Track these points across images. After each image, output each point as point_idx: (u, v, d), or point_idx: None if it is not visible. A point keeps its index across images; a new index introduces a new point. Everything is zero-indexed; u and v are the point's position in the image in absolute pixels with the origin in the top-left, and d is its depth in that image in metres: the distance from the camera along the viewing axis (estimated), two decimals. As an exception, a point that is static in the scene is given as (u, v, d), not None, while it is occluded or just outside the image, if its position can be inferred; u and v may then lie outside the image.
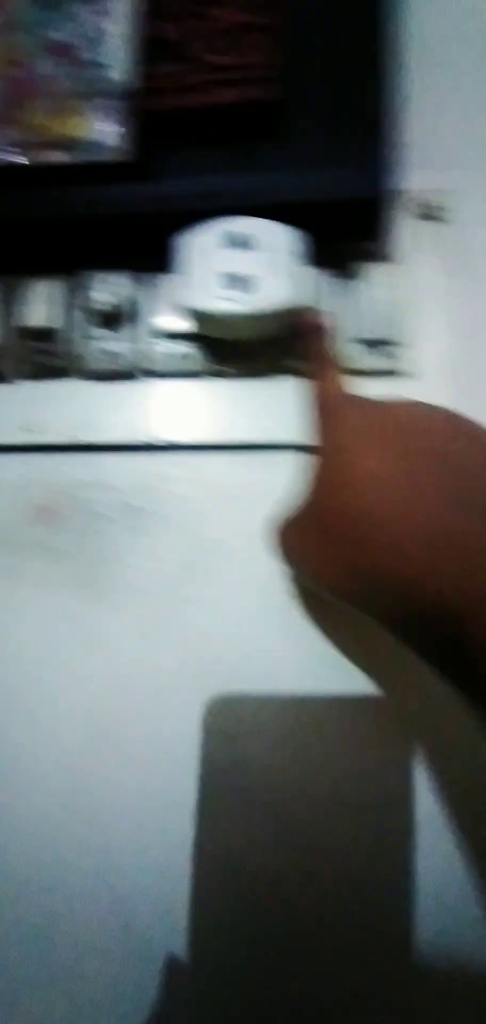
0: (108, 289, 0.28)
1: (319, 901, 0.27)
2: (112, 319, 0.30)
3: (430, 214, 0.31)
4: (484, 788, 0.27)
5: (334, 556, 0.22)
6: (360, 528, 0.20)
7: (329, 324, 0.29)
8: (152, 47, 0.28)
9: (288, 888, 0.27)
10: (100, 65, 0.26)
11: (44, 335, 0.30)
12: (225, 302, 0.26)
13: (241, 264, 0.26)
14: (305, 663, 0.29)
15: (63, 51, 0.26)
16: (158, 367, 0.31)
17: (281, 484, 0.30)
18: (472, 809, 0.27)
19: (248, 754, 0.29)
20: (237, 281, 0.26)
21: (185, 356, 0.31)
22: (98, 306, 0.28)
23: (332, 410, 0.25)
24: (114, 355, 0.30)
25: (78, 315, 0.31)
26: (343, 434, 0.23)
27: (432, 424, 0.22)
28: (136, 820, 0.29)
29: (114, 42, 0.26)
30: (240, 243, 0.26)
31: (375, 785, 0.28)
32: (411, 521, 0.19)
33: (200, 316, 0.27)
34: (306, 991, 0.27)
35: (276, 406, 0.31)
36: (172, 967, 0.27)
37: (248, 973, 0.27)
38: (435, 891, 0.27)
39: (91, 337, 0.30)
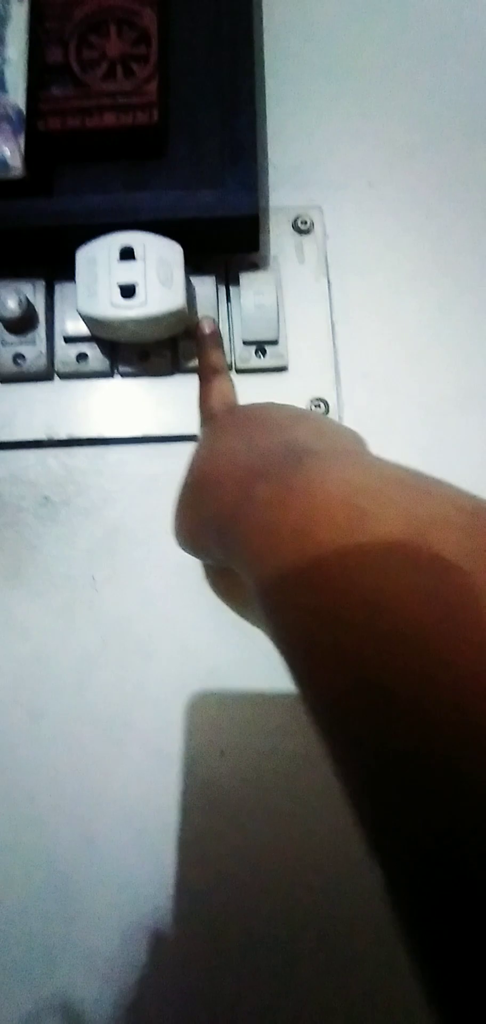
0: (16, 296, 0.31)
1: (245, 854, 0.30)
2: (21, 323, 0.32)
3: (300, 227, 0.36)
4: None
5: (186, 518, 0.25)
6: (197, 488, 0.24)
7: (216, 331, 0.33)
8: (43, 72, 0.31)
9: (216, 844, 0.30)
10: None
11: None
12: (115, 308, 0.29)
13: (128, 274, 0.29)
14: (214, 632, 0.32)
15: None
16: (65, 368, 0.34)
17: (178, 472, 0.33)
18: None
19: (168, 720, 0.31)
20: (126, 289, 0.29)
21: (88, 358, 0.34)
22: (7, 312, 0.31)
23: (211, 419, 0.29)
24: (23, 358, 0.33)
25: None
26: (211, 434, 0.26)
27: (283, 413, 0.25)
28: (67, 792, 0.30)
29: (9, 66, 0.29)
30: (129, 255, 0.29)
31: (289, 741, 0.31)
32: (222, 470, 0.21)
33: (95, 322, 0.30)
34: (238, 942, 0.29)
35: (172, 401, 0.34)
36: (111, 928, 0.29)
37: (185, 929, 0.29)
38: (345, 841, 0.29)
39: (2, 341, 0.32)
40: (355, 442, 0.24)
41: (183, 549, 0.27)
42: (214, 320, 0.33)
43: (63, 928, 0.30)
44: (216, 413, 0.30)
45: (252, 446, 0.22)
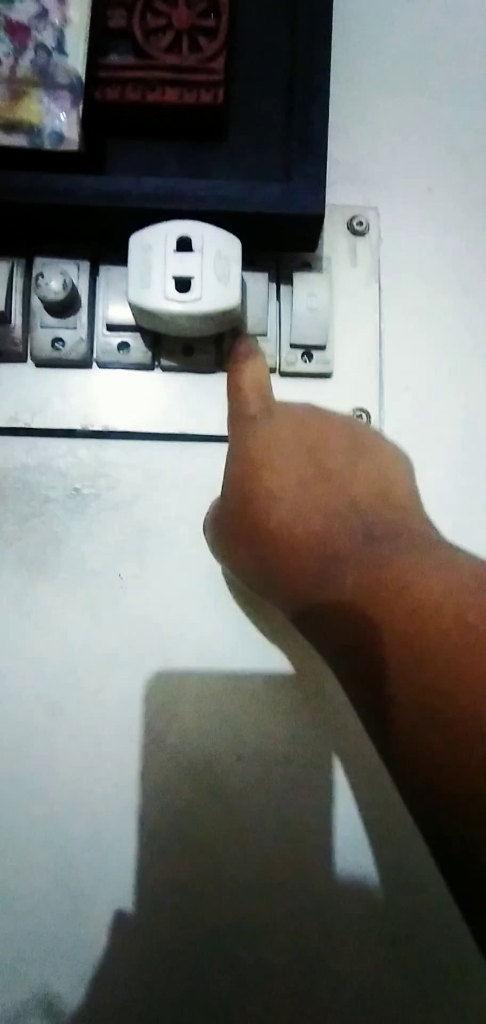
0: (60, 278, 0.29)
1: (255, 859, 0.30)
2: (62, 306, 0.30)
3: (356, 228, 0.34)
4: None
5: (239, 554, 0.25)
6: (256, 538, 0.23)
7: (258, 351, 0.30)
8: (103, 37, 0.29)
9: (227, 848, 0.30)
10: (54, 50, 0.26)
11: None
12: (169, 302, 0.28)
13: (185, 266, 0.28)
14: (236, 639, 0.32)
15: (20, 32, 0.26)
16: (104, 357, 0.32)
17: (216, 473, 0.32)
18: (384, 772, 0.31)
19: (186, 724, 0.31)
20: (182, 283, 0.28)
21: (130, 348, 0.32)
22: (50, 294, 0.29)
23: (246, 421, 0.27)
24: (62, 343, 0.31)
25: (29, 300, 0.31)
26: (252, 447, 0.25)
27: (333, 442, 0.24)
28: (81, 791, 0.30)
29: (70, 28, 0.27)
30: (186, 246, 0.28)
31: (302, 749, 0.31)
32: (293, 534, 0.22)
33: (145, 313, 0.29)
34: (247, 945, 0.29)
35: (214, 400, 0.33)
36: (117, 927, 0.29)
37: (190, 932, 0.29)
38: (352, 840, 0.30)
39: (41, 323, 0.31)
40: (409, 481, 0.24)
41: (220, 563, 0.27)
42: (251, 341, 0.31)
43: (70, 926, 0.29)
44: (251, 415, 0.27)
45: (317, 501, 0.22)
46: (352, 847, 0.30)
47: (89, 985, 0.29)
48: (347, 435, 0.25)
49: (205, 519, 0.29)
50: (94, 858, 0.30)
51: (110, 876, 0.30)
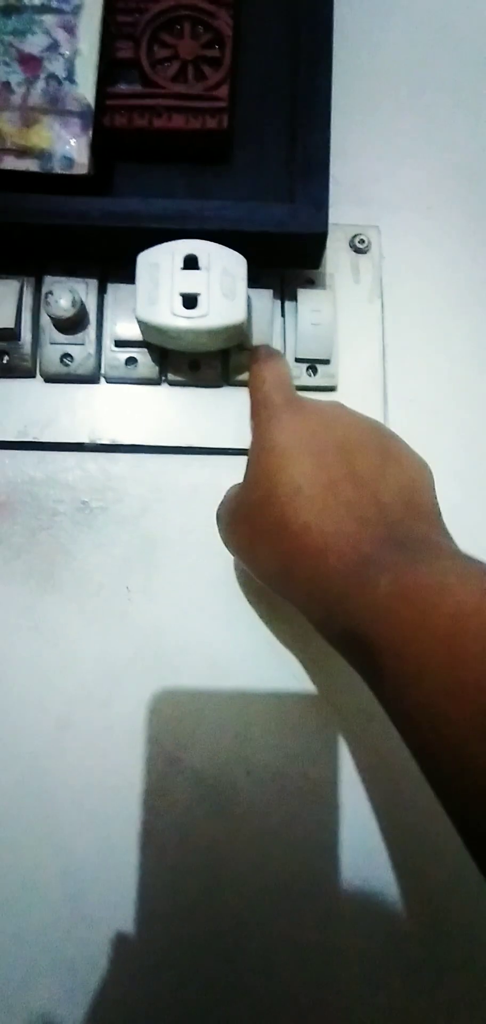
0: (70, 296, 0.30)
1: (265, 874, 0.29)
2: (71, 323, 0.31)
3: (358, 246, 0.35)
4: (406, 775, 0.29)
5: (260, 548, 0.24)
6: (281, 533, 0.23)
7: (279, 354, 0.31)
8: (112, 67, 0.30)
9: (236, 864, 0.29)
10: (65, 80, 0.27)
11: (3, 334, 0.31)
12: (176, 318, 0.28)
13: (192, 283, 0.28)
14: (245, 651, 0.32)
15: (31, 63, 0.27)
16: (112, 372, 0.33)
17: (223, 486, 0.32)
18: (395, 789, 0.30)
19: (194, 738, 0.30)
20: (189, 299, 0.28)
21: (137, 364, 0.33)
22: (60, 311, 0.30)
23: (272, 409, 0.26)
24: (71, 358, 0.32)
25: (39, 317, 0.32)
26: (279, 438, 0.24)
27: (362, 444, 0.24)
28: (87, 803, 0.30)
29: (80, 59, 0.28)
30: (193, 264, 0.28)
31: (312, 764, 0.30)
32: (323, 533, 0.22)
33: (153, 329, 0.29)
34: (256, 961, 0.29)
35: (220, 414, 0.33)
36: (120, 942, 0.29)
37: (198, 950, 0.29)
38: (362, 858, 0.30)
39: (50, 340, 0.31)
40: (431, 492, 0.25)
41: (233, 555, 0.27)
42: (271, 348, 0.32)
43: (76, 942, 0.29)
44: (278, 404, 0.26)
45: (347, 504, 0.22)
46: (362, 862, 0.30)
47: (92, 1003, 0.28)
48: (376, 438, 0.25)
49: (219, 508, 0.29)
50: (100, 872, 0.29)
51: (117, 892, 0.29)
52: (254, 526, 0.24)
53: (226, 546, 0.29)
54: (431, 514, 0.24)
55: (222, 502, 0.29)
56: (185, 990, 0.29)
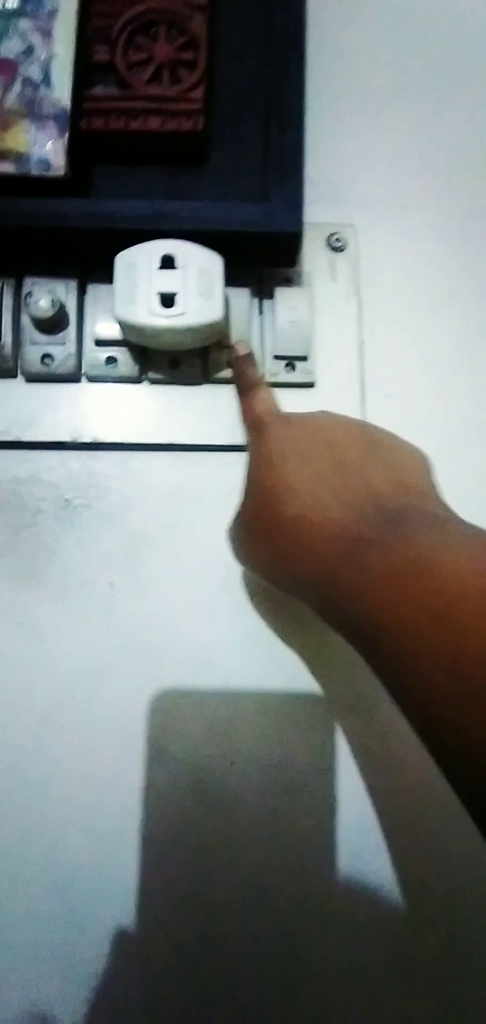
0: (49, 297, 0.30)
1: (253, 864, 0.30)
2: (51, 323, 0.31)
3: (334, 245, 0.36)
4: (402, 775, 0.31)
5: (260, 551, 0.25)
6: (274, 528, 0.24)
7: (251, 352, 0.33)
8: (88, 70, 0.30)
9: (224, 854, 0.30)
10: (41, 84, 0.28)
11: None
12: (154, 317, 0.29)
13: (169, 283, 0.29)
14: (229, 645, 0.32)
15: (7, 67, 0.28)
16: (93, 371, 0.33)
17: (202, 482, 0.33)
18: (382, 780, 0.31)
19: (179, 732, 0.31)
20: (166, 298, 0.29)
21: (118, 362, 0.33)
22: (39, 312, 0.30)
23: (261, 426, 0.28)
24: (51, 358, 0.32)
25: (19, 318, 0.32)
26: (269, 448, 0.26)
27: (349, 438, 0.25)
28: (74, 799, 0.30)
29: (56, 62, 0.28)
30: (169, 264, 0.29)
31: (297, 754, 0.31)
32: (312, 522, 0.23)
33: (132, 328, 0.30)
34: (245, 951, 0.29)
35: (200, 410, 0.34)
36: (110, 935, 0.29)
37: (188, 940, 0.29)
38: (350, 848, 0.30)
39: (31, 340, 0.32)
40: (424, 472, 0.25)
41: (245, 567, 0.28)
42: (247, 343, 0.33)
43: (65, 935, 0.29)
44: (267, 421, 0.28)
45: (334, 491, 0.23)
46: (349, 851, 0.30)
47: (87, 998, 0.29)
48: (362, 431, 0.26)
49: (228, 528, 0.30)
50: (89, 866, 0.30)
51: (106, 885, 0.30)
52: (253, 532, 0.26)
53: (236, 559, 0.30)
54: (424, 488, 0.24)
55: (229, 524, 0.30)
56: (177, 980, 0.29)
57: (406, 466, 0.25)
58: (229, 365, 0.33)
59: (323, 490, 0.23)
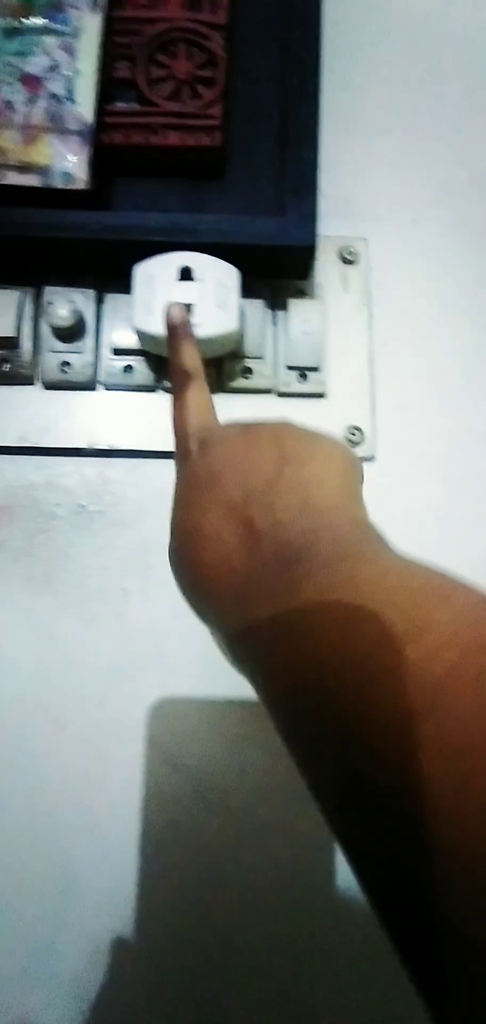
0: (68, 306, 0.31)
1: (259, 872, 0.30)
2: (70, 332, 0.32)
3: (346, 258, 0.36)
4: None
5: (179, 587, 0.23)
6: (183, 577, 0.23)
7: (187, 320, 0.26)
8: (110, 86, 0.31)
9: (231, 861, 0.30)
10: (65, 99, 0.29)
11: (4, 343, 0.32)
12: (172, 327, 0.29)
13: (186, 294, 0.29)
14: None
15: (33, 83, 0.28)
16: (110, 380, 0.34)
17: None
18: None
19: (190, 738, 0.31)
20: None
21: (134, 371, 0.34)
22: (58, 321, 0.31)
23: (185, 454, 0.25)
24: (69, 366, 0.33)
25: (38, 326, 0.33)
26: (180, 487, 0.24)
27: (258, 461, 0.23)
28: (84, 803, 0.30)
29: (79, 79, 0.29)
30: (187, 276, 0.30)
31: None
32: (220, 577, 0.21)
33: (148, 338, 0.30)
34: (250, 957, 0.29)
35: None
36: (115, 938, 0.29)
37: (193, 945, 0.29)
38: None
39: (49, 348, 0.32)
40: (341, 478, 0.23)
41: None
42: (182, 307, 0.26)
43: (68, 936, 0.29)
44: (190, 450, 0.25)
45: (240, 534, 0.21)
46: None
47: (89, 1001, 0.29)
48: (276, 447, 0.23)
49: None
50: (96, 869, 0.30)
51: (113, 888, 0.30)
52: (177, 572, 0.24)
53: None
54: (333, 501, 0.22)
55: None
56: (181, 985, 0.29)
57: (318, 478, 0.22)
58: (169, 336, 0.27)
59: (229, 533, 0.21)
